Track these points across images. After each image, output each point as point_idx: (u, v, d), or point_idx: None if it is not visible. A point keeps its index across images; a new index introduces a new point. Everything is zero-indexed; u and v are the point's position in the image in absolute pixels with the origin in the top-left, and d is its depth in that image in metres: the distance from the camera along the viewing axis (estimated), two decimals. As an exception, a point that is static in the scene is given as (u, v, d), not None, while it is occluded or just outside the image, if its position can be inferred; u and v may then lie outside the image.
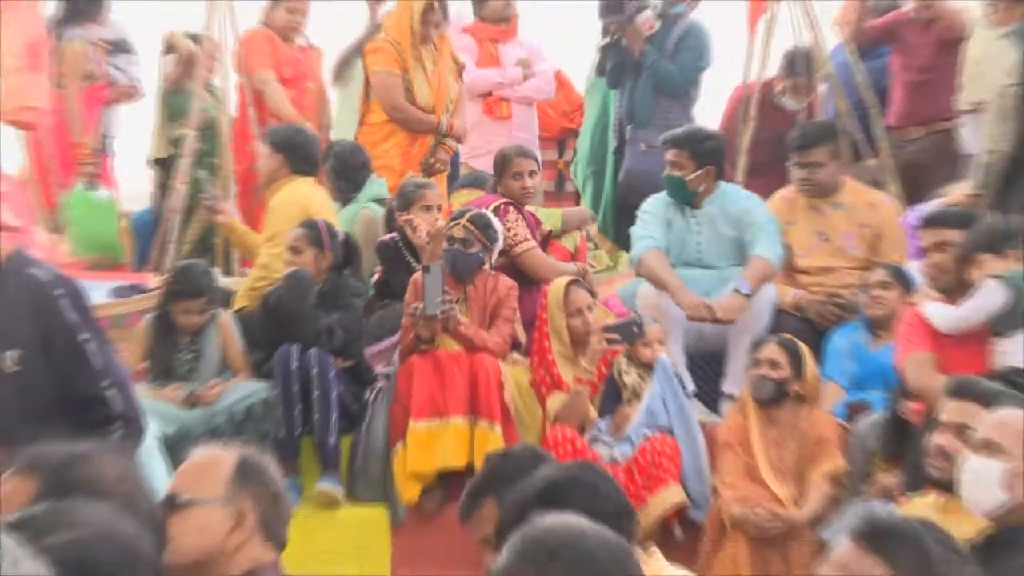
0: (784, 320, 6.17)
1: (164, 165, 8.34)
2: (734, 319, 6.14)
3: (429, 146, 7.87)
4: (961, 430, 4.11)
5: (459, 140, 7.95)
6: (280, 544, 3.10)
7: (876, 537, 2.40)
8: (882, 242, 6.36)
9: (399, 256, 6.41)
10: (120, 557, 2.11)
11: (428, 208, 6.45)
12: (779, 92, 7.94)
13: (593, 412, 5.72)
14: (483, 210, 6.35)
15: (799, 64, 7.95)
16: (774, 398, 5.48)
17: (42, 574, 1.81)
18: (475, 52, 8.46)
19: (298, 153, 6.78)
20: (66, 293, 4.17)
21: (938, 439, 4.23)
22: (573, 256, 7.15)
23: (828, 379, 5.81)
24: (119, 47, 8.78)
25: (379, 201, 7.10)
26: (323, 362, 5.89)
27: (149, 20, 9.49)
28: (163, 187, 8.31)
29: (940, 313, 5.43)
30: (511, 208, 6.64)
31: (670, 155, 6.43)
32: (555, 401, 5.76)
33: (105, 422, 4.03)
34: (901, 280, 5.90)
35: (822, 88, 8.23)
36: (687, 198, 6.41)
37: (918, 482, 4.59)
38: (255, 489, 3.03)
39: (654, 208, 6.49)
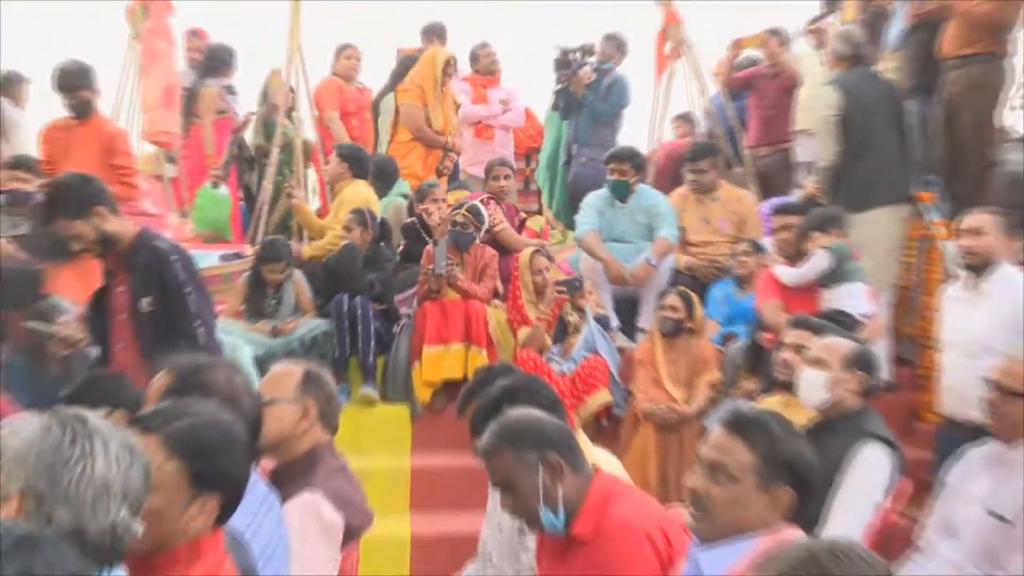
0: (680, 278, 6.18)
1: (257, 169, 8.37)
2: (643, 284, 6.22)
3: (439, 157, 7.92)
4: (799, 350, 4.18)
5: (458, 153, 8.01)
6: (334, 430, 3.12)
7: (738, 424, 2.45)
8: (746, 224, 6.36)
9: (418, 234, 6.30)
10: (221, 438, 2.12)
11: (436, 200, 6.45)
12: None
13: (549, 341, 5.73)
14: (476, 202, 6.32)
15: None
16: (673, 331, 5.50)
17: (133, 443, 1.80)
18: (470, 93, 8.35)
19: (358, 163, 6.79)
20: (179, 259, 4.24)
21: (783, 355, 4.40)
22: (539, 236, 7.13)
23: (710, 318, 5.83)
24: (229, 91, 8.77)
25: (404, 196, 7.08)
26: (365, 306, 5.81)
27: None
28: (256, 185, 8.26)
29: (785, 273, 5.55)
30: (492, 201, 6.65)
31: (615, 165, 6.37)
32: (523, 333, 5.77)
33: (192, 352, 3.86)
34: (758, 250, 5.95)
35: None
36: (624, 195, 6.37)
37: (769, 387, 4.70)
38: (316, 392, 3.05)
39: (592, 202, 6.38)
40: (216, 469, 2.06)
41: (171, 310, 4.18)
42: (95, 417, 1.82)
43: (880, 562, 1.64)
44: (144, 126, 7.84)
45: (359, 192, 6.48)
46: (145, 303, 4.17)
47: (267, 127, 8.08)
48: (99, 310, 4.45)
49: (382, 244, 6.22)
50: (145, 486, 1.82)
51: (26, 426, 1.77)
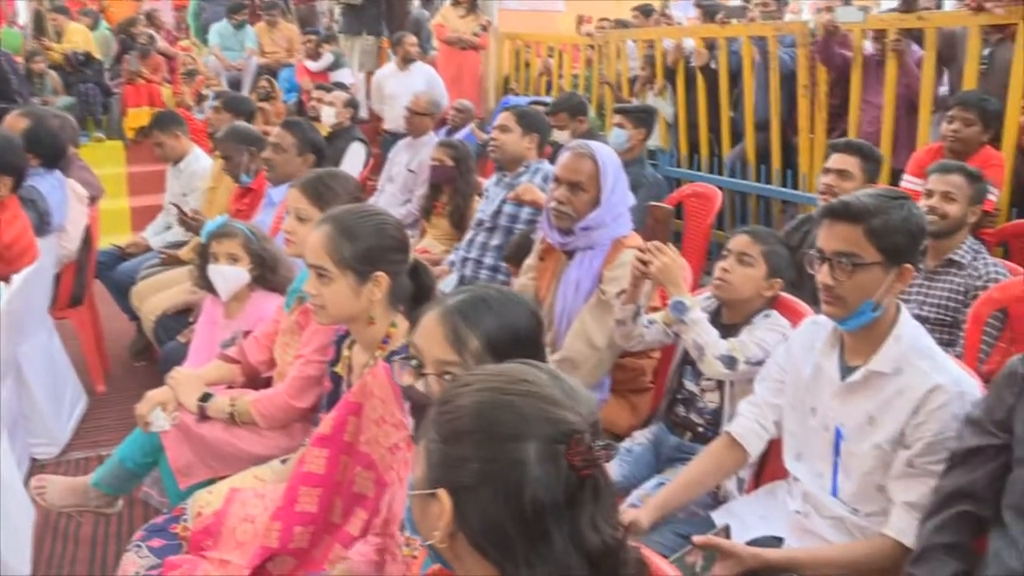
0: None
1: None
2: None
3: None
4: (320, 100, 5.42)
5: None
6: (77, 147, 3.82)
7: (289, 123, 3.24)
8: (293, 43, 8.61)
9: (125, 47, 8.48)
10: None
11: (139, 25, 8.43)
12: None
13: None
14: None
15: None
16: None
17: None
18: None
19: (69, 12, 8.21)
20: (8, 63, 6.00)
21: (312, 104, 5.70)
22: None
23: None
24: None
25: (109, 29, 8.92)
26: (94, 90, 7.74)
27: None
28: None
29: (310, 64, 7.84)
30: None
31: None
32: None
33: None
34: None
35: None
36: None
37: (313, 117, 5.44)
38: (72, 131, 3.70)
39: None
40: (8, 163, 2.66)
41: (3, 87, 5.98)
42: None
43: (354, 180, 2.35)
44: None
45: (81, 30, 8.69)
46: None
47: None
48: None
49: (97, 58, 8.22)
50: None
51: None
